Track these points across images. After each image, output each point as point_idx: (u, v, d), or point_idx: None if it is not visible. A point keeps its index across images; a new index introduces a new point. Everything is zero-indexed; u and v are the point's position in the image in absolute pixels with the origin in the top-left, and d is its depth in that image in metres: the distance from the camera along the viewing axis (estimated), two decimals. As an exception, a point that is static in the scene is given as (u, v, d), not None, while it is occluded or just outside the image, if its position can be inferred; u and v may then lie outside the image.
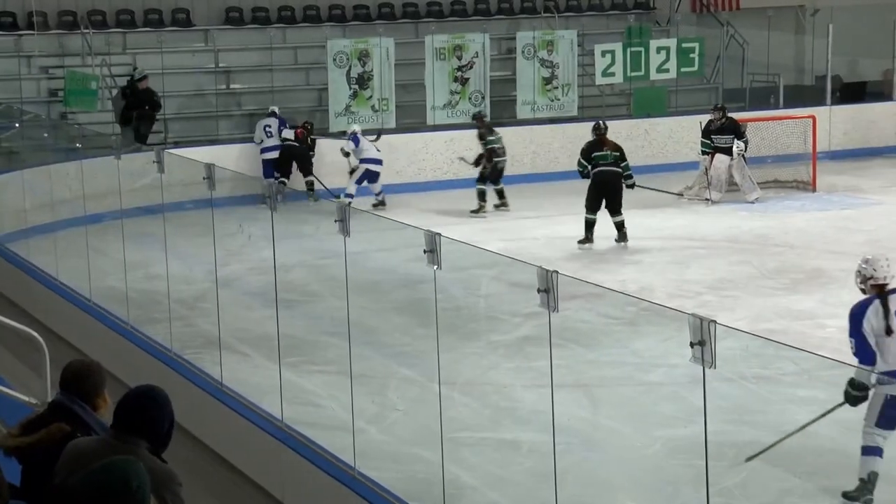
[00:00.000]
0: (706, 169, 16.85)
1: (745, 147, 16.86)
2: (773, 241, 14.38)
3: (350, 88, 18.51)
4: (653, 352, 9.70)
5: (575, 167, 14.77)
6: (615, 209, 14.12)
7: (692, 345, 4.73)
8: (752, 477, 7.38)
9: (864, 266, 7.35)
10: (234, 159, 17.11)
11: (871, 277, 7.27)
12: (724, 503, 6.98)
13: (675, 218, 15.90)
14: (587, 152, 14.47)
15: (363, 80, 18.55)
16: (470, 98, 19.11)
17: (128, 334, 10.09)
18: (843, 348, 7.12)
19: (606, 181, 14.18)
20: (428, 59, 18.93)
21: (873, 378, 6.93)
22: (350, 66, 18.49)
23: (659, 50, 19.91)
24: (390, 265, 11.84)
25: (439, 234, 6.14)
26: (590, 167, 14.27)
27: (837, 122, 20.27)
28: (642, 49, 19.83)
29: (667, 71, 20.02)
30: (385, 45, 18.64)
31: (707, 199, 16.71)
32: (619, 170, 14.24)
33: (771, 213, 16.14)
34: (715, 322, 4.70)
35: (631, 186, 14.38)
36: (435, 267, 6.18)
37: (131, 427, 4.22)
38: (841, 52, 21.15)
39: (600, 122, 14.87)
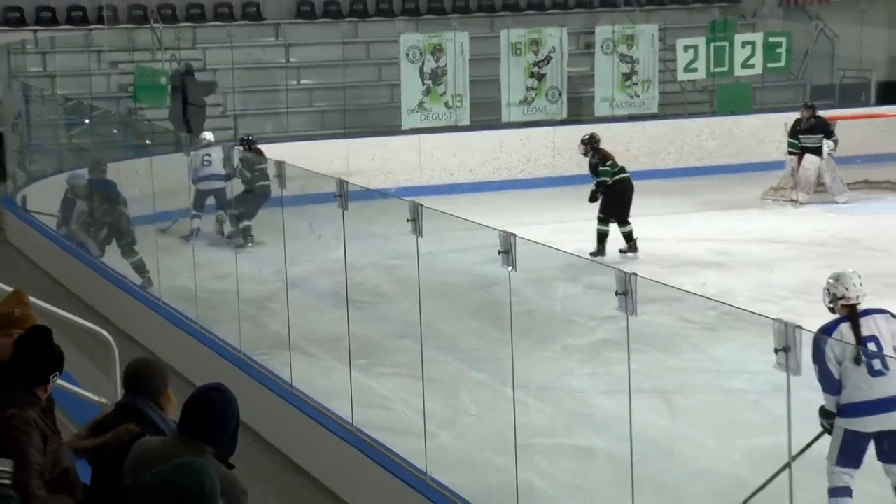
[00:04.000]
0: (793, 169, 16.67)
1: (835, 146, 16.66)
2: (862, 245, 14.19)
3: (423, 84, 18.57)
4: (734, 358, 9.63)
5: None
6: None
7: (776, 351, 4.72)
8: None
9: (832, 283, 6.76)
10: (305, 157, 17.25)
11: (843, 297, 6.73)
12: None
13: (759, 220, 15.75)
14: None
15: (437, 76, 18.61)
16: (546, 94, 19.08)
17: (197, 334, 10.24)
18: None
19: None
20: (503, 55, 18.94)
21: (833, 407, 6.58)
22: (423, 62, 18.56)
23: (744, 45, 19.73)
24: (463, 266, 11.87)
25: (514, 235, 6.17)
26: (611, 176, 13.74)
27: (933, 121, 19.91)
28: (727, 44, 19.66)
29: (752, 67, 19.83)
30: (459, 40, 18.68)
31: (794, 201, 16.54)
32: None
33: (860, 216, 15.92)
34: (801, 328, 4.69)
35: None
36: (510, 268, 6.20)
37: (197, 429, 4.27)
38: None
39: None
